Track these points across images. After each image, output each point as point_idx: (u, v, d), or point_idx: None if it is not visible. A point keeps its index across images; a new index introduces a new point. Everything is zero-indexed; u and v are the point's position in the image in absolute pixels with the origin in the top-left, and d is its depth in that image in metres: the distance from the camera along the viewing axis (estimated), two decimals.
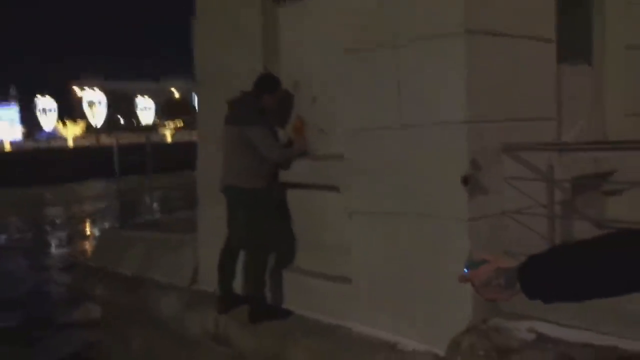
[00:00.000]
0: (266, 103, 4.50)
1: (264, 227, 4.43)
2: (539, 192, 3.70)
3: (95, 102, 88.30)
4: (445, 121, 3.48)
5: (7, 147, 61.11)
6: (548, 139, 3.88)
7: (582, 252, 1.30)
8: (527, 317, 3.22)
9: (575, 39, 4.44)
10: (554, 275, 1.31)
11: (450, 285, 3.36)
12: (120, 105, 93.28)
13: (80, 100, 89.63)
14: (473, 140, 3.43)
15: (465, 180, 3.38)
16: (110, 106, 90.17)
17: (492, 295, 1.41)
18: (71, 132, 78.98)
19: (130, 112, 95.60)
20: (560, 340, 3.08)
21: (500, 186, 3.57)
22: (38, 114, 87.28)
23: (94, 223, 22.64)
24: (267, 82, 4.53)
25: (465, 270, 1.47)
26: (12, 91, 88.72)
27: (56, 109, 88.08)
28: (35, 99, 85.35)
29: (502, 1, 3.60)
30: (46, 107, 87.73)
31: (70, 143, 68.50)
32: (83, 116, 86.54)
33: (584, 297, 1.31)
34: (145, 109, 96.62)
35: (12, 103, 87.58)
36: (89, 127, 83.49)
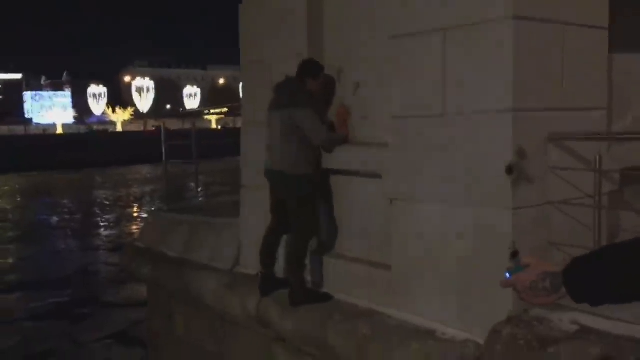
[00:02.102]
0: (310, 88, 4.53)
1: (307, 213, 4.48)
2: (586, 183, 3.62)
3: (143, 89, 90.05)
4: (491, 109, 3.44)
5: (60, 130, 63.01)
6: (598, 129, 3.79)
7: (629, 254, 1.26)
8: (570, 309, 3.17)
9: (628, 26, 4.30)
10: (600, 279, 1.28)
11: (492, 273, 3.34)
12: (168, 92, 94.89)
13: (129, 86, 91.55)
14: (518, 128, 3.38)
15: (510, 169, 3.34)
16: (157, 93, 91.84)
17: (538, 300, 1.38)
18: (120, 117, 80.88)
19: (177, 98, 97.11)
20: (605, 333, 3.03)
21: (546, 176, 3.52)
22: (89, 99, 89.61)
23: (141, 206, 23.18)
24: (310, 67, 4.55)
25: (507, 274, 1.45)
26: (66, 77, 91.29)
27: (106, 95, 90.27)
28: (88, 88, 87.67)
29: None
30: (97, 93, 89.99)
31: (119, 127, 70.01)
32: (131, 102, 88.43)
33: (631, 300, 1.28)
34: (191, 96, 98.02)
35: (66, 89, 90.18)
36: (136, 113, 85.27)
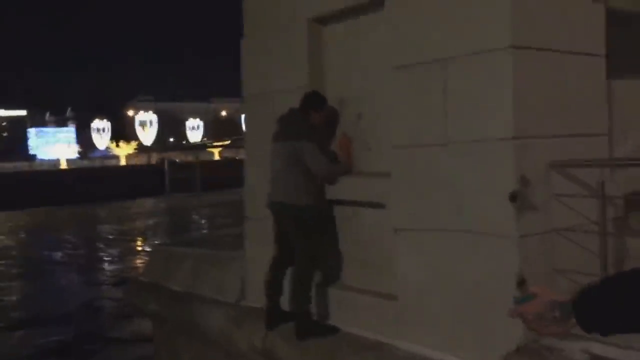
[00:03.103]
0: (314, 120, 4.57)
1: (311, 244, 4.47)
2: (590, 209, 3.62)
3: (146, 123, 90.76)
4: (492, 137, 3.46)
5: (64, 165, 63.30)
6: (599, 155, 3.80)
7: (637, 282, 1.25)
8: (581, 337, 3.13)
9: (627, 53, 4.35)
10: (610, 309, 1.27)
11: (500, 302, 3.32)
12: (171, 125, 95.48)
13: (132, 120, 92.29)
14: (520, 156, 3.40)
15: (513, 197, 3.34)
16: (160, 126, 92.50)
17: (547, 330, 1.36)
18: (124, 151, 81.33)
19: (179, 131, 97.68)
20: None
21: (550, 203, 3.52)
22: (93, 134, 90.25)
23: (144, 239, 23.15)
24: (314, 100, 4.60)
25: (515, 304, 1.43)
26: (70, 114, 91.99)
27: (109, 129, 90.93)
28: (91, 123, 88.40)
29: (549, 16, 3.57)
30: (100, 127, 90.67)
31: (123, 161, 70.35)
32: (134, 136, 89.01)
33: None
34: (194, 129, 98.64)
35: (70, 125, 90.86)
36: (140, 146, 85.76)
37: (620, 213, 3.88)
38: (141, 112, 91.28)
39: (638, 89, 4.44)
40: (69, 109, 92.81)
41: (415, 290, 3.93)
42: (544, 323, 1.36)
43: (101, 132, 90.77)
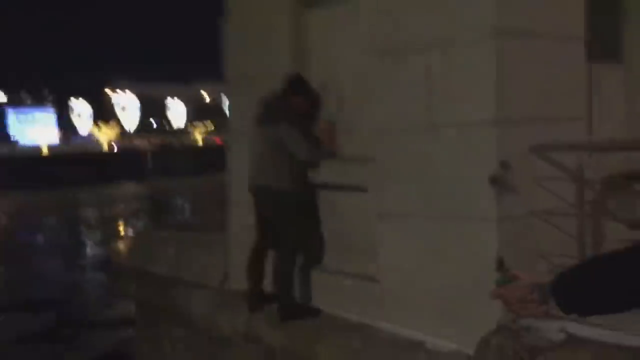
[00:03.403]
0: (295, 104, 4.55)
1: (294, 227, 4.49)
2: (569, 192, 3.67)
3: (127, 106, 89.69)
4: (474, 122, 3.49)
5: (45, 151, 62.05)
6: (578, 138, 3.85)
7: (614, 265, 1.28)
8: (558, 317, 3.19)
9: (606, 37, 4.39)
10: (588, 290, 1.30)
11: (480, 284, 3.36)
12: (152, 108, 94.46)
13: (111, 102, 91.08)
14: (502, 140, 3.43)
15: (494, 180, 3.38)
16: (142, 109, 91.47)
17: (527, 312, 1.40)
18: (106, 135, 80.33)
19: (161, 115, 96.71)
20: (593, 341, 3.05)
21: (530, 187, 3.56)
22: (73, 118, 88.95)
23: (127, 224, 23.02)
24: (297, 83, 4.58)
25: (496, 286, 1.46)
26: (47, 94, 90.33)
27: (91, 113, 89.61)
28: (69, 102, 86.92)
29: (530, 1, 3.59)
30: (81, 110, 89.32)
31: (105, 146, 69.51)
32: (114, 118, 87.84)
33: (619, 310, 1.29)
34: (177, 112, 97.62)
35: (48, 107, 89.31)
36: (122, 130, 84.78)
37: (598, 197, 3.94)
38: (121, 94, 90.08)
39: (618, 72, 4.50)
40: (46, 90, 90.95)
41: (397, 273, 3.97)
42: (523, 305, 1.39)
43: (82, 115, 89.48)
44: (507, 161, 3.42)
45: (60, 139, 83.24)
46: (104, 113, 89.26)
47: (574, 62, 3.87)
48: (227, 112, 5.82)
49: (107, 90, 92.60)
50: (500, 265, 1.53)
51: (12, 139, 72.46)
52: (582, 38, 3.88)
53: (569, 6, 3.83)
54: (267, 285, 4.69)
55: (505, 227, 3.43)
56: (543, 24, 3.64)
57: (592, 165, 3.77)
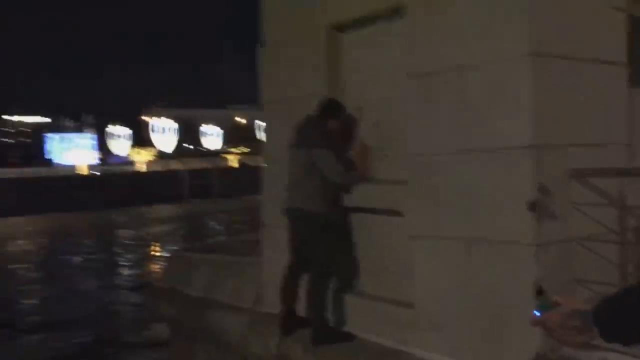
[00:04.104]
0: (330, 127, 4.58)
1: (327, 250, 4.48)
2: (609, 218, 3.59)
3: (162, 130, 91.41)
4: (511, 146, 3.45)
5: (85, 171, 63.46)
6: (618, 164, 3.77)
7: None
8: (599, 347, 3.10)
9: None
10: (631, 318, 1.26)
11: (517, 312, 3.30)
12: (188, 132, 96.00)
13: (150, 127, 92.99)
14: (539, 165, 3.38)
15: (533, 206, 3.33)
16: (179, 133, 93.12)
17: (569, 340, 1.36)
18: (143, 158, 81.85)
19: (197, 138, 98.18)
20: None
21: (569, 212, 3.49)
22: (113, 140, 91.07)
23: (162, 245, 23.28)
24: (332, 107, 4.62)
25: (537, 313, 1.43)
26: (88, 119, 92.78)
27: (129, 136, 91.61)
28: (108, 127, 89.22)
29: (569, 24, 3.56)
30: (119, 134, 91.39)
31: (143, 168, 70.70)
32: (153, 142, 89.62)
33: None
34: (212, 136, 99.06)
35: (88, 131, 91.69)
36: (160, 153, 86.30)
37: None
38: (158, 118, 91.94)
39: None
40: (83, 114, 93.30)
41: (432, 298, 3.92)
42: (565, 332, 1.35)
43: (119, 138, 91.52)
44: (546, 186, 3.37)
45: (99, 161, 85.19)
46: (141, 137, 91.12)
47: (615, 87, 3.81)
48: (261, 136, 5.89)
49: (145, 115, 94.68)
50: (540, 291, 1.49)
51: (52, 163, 74.40)
52: (624, 63, 3.83)
53: (610, 30, 3.79)
54: (301, 308, 4.67)
55: (544, 252, 3.36)
56: (583, 48, 3.60)
57: (634, 191, 3.68)
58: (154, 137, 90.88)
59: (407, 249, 4.14)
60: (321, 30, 4.87)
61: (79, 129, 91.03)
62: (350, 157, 4.78)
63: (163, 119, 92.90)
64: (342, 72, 4.91)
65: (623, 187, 3.61)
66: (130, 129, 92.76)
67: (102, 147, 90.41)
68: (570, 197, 3.49)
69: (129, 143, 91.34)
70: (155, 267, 17.74)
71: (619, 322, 1.28)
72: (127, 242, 25.03)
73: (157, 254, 21.49)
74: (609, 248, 3.54)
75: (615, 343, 1.32)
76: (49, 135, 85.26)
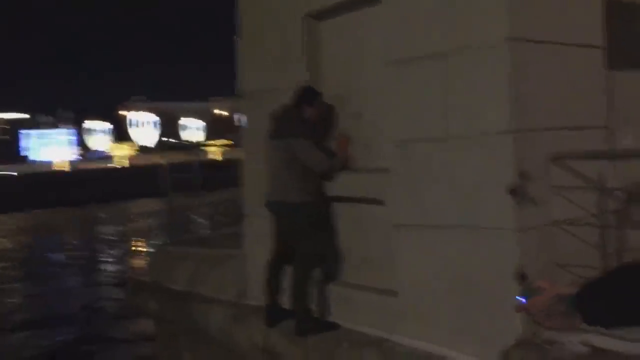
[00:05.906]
0: (308, 115, 4.54)
1: (309, 241, 4.46)
2: (590, 202, 3.61)
3: (142, 124, 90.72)
4: (491, 131, 3.44)
5: (66, 167, 62.67)
6: (598, 147, 3.79)
7: (638, 275, 1.25)
8: (581, 330, 3.12)
9: (626, 44, 4.33)
10: (612, 302, 1.27)
11: (500, 297, 3.31)
12: (168, 125, 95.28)
13: (129, 121, 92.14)
14: (520, 150, 3.38)
15: (513, 191, 3.33)
16: (159, 126, 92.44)
17: (554, 324, 1.36)
18: (122, 152, 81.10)
19: (177, 132, 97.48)
20: (616, 354, 2.98)
21: (549, 196, 3.50)
22: (92, 136, 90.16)
23: (145, 240, 23.13)
24: (306, 94, 4.58)
25: (521, 298, 1.43)
26: (66, 114, 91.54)
27: (108, 131, 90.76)
28: (83, 123, 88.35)
29: (546, 9, 3.56)
30: (97, 128, 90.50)
31: (125, 163, 70.07)
32: (132, 136, 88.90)
33: None
34: (193, 129, 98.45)
35: (65, 126, 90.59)
36: (141, 148, 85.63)
37: (620, 206, 3.87)
38: (136, 112, 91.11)
39: (638, 81, 4.43)
40: (61, 109, 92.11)
41: (415, 286, 3.92)
42: (550, 317, 1.36)
43: (98, 133, 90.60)
44: (527, 171, 3.37)
45: (78, 157, 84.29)
46: (120, 131, 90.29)
47: (593, 70, 3.82)
48: (241, 127, 5.83)
49: (122, 109, 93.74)
50: (522, 277, 1.49)
51: (29, 159, 73.42)
52: (601, 46, 3.84)
53: (587, 14, 3.79)
54: (285, 299, 4.66)
55: (525, 237, 3.37)
56: (560, 32, 3.60)
57: (614, 174, 3.70)
58: (132, 131, 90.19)
59: (390, 237, 4.13)
60: (299, 19, 4.82)
61: (56, 125, 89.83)
62: (329, 146, 4.75)
63: (142, 112, 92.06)
64: (322, 61, 4.87)
65: (602, 169, 3.63)
66: (111, 123, 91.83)
67: (82, 142, 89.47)
68: (550, 181, 3.50)
69: (109, 138, 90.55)
70: (139, 262, 17.62)
71: (599, 306, 1.29)
72: (109, 237, 24.83)
73: (140, 249, 21.35)
74: (589, 231, 3.56)
75: (597, 326, 1.33)
76: (25, 131, 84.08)
